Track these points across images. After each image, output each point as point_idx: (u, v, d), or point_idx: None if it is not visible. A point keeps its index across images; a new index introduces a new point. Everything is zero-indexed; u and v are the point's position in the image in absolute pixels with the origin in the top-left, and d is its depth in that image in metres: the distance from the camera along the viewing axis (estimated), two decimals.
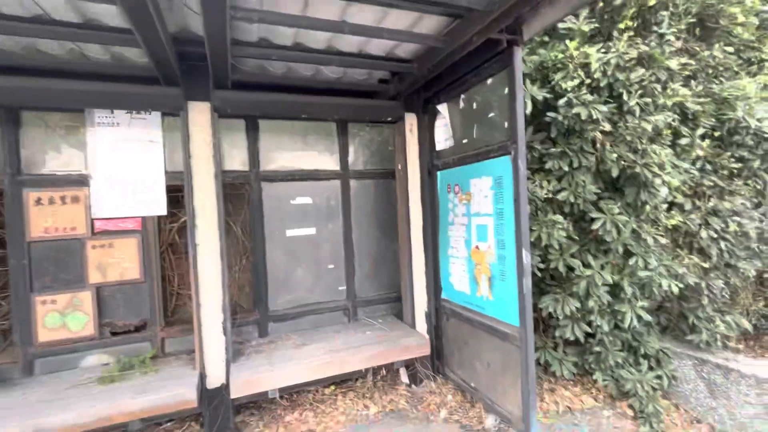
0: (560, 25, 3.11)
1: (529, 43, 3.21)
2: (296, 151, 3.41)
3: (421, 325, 3.40)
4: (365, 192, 3.68)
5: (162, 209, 2.90)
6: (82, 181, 2.78)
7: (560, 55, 3.01)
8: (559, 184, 3.01)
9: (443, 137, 3.18)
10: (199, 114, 2.69)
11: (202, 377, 2.62)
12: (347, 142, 3.60)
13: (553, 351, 3.17)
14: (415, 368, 3.27)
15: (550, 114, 2.97)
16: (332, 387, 3.23)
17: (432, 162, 3.35)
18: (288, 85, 3.05)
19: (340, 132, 3.56)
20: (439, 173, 3.30)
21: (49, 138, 2.77)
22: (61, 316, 2.73)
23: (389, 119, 3.36)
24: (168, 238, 3.19)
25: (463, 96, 2.93)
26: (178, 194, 3.08)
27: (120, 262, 2.88)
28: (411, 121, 3.36)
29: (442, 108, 3.12)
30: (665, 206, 3.18)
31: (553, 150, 3.01)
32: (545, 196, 2.98)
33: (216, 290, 2.71)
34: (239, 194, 3.39)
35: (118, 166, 2.82)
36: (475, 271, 2.85)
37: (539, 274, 3.09)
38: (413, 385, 3.29)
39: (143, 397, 2.35)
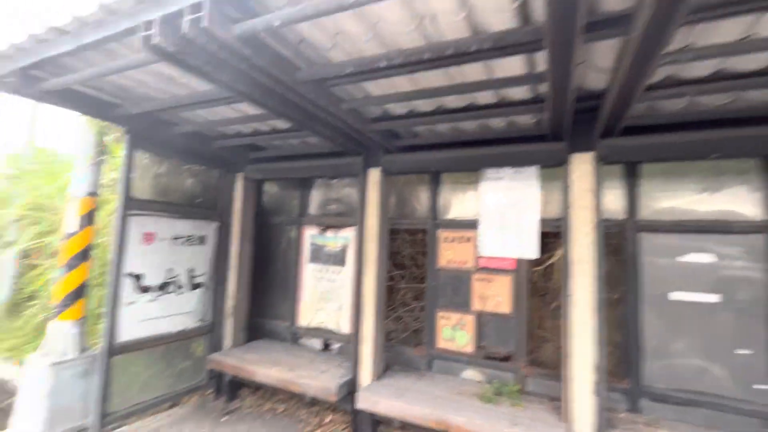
0: None
1: None
2: (690, 195, 2.81)
3: None
4: None
5: (534, 253, 3.14)
6: (473, 224, 3.46)
7: None
8: None
9: None
10: (581, 164, 2.74)
11: None
12: None
13: None
14: None
15: None
16: None
17: None
18: (682, 121, 2.59)
19: (763, 169, 2.64)
20: None
21: (454, 192, 3.67)
22: (452, 330, 3.47)
23: None
24: (533, 279, 3.41)
25: None
26: (545, 240, 3.25)
27: (495, 296, 3.33)
28: None
29: None
30: None
31: None
32: None
33: (587, 346, 2.59)
34: (607, 244, 3.15)
35: (500, 213, 3.32)
36: None
37: None
38: None
39: (516, 429, 2.53)
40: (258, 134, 3.63)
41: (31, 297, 5.15)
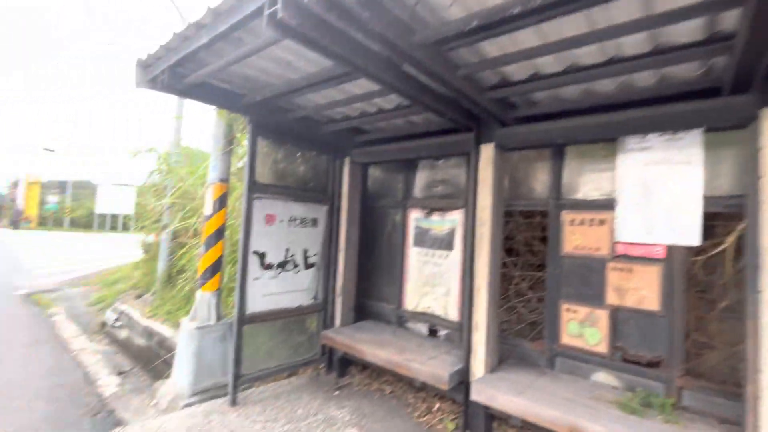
0: None
1: None
2: None
3: None
4: None
5: (695, 239, 2.53)
6: (608, 205, 2.94)
7: None
8: None
9: None
10: None
11: None
12: None
13: None
14: None
15: None
16: None
17: None
18: None
19: None
20: None
21: (583, 167, 3.16)
22: (579, 326, 3.03)
23: None
24: (691, 271, 2.78)
25: None
26: (707, 223, 2.59)
27: (638, 289, 2.79)
28: None
29: None
30: None
31: None
32: None
33: None
34: None
35: (645, 190, 2.75)
36: None
37: None
38: None
39: None
40: (364, 116, 3.62)
41: (181, 270, 6.11)
